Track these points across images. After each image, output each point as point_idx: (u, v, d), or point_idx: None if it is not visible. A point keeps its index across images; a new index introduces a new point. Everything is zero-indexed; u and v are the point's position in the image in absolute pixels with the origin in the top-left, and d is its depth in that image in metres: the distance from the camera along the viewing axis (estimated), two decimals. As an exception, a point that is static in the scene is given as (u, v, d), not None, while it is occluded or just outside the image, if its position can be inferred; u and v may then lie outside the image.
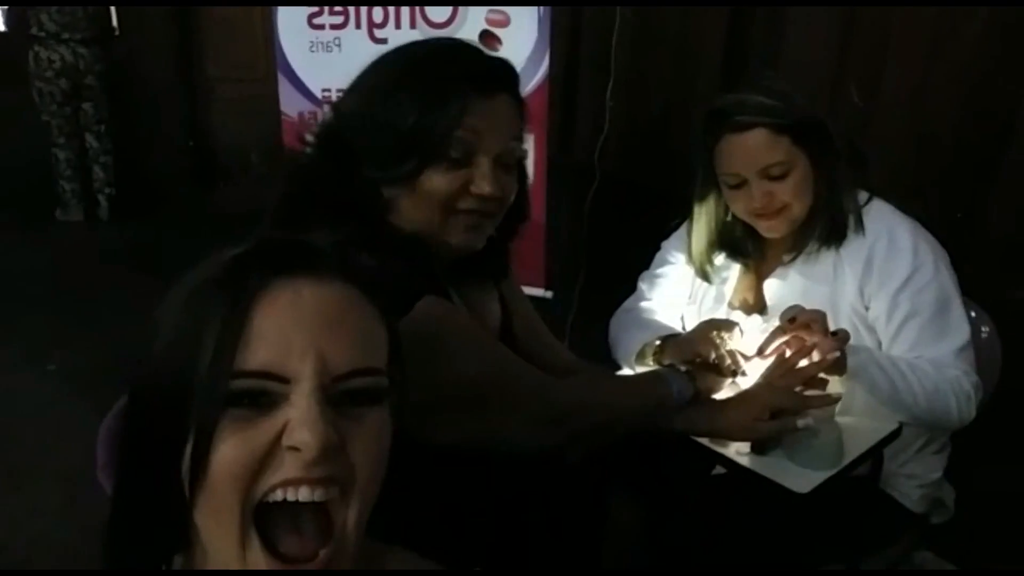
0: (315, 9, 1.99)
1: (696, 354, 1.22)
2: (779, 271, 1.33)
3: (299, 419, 0.51)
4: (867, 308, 1.26)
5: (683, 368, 1.12)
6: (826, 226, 1.26)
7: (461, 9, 1.87)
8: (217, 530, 0.54)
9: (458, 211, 0.91)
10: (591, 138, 2.24)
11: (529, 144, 1.90)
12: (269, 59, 4.08)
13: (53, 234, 4.25)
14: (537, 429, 0.96)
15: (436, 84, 0.89)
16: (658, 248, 1.55)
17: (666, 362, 1.27)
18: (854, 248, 1.26)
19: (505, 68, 0.95)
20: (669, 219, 1.53)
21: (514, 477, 1.00)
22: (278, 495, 0.52)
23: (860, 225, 1.26)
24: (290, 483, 0.52)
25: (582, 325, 2.19)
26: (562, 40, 2.20)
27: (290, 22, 2.06)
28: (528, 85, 1.83)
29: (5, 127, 4.27)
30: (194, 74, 4.57)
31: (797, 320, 1.14)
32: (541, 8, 1.80)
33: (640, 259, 1.57)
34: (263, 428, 0.52)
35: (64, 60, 4.00)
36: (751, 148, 1.22)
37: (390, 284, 0.87)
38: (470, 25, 1.88)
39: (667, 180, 2.45)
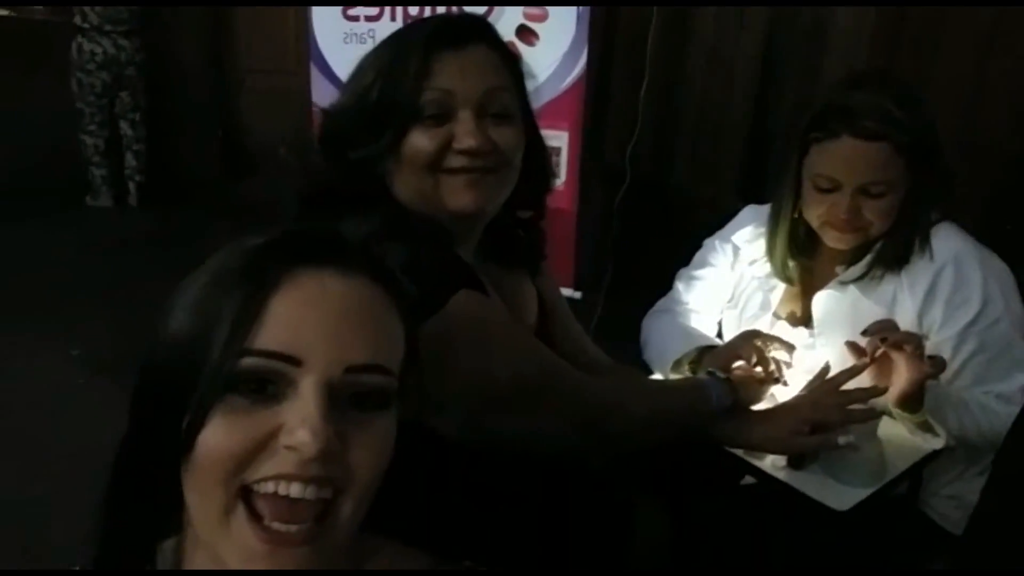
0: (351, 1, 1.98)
1: (736, 357, 1.18)
2: (834, 284, 1.27)
3: (300, 418, 0.50)
4: (926, 337, 1.18)
5: (722, 376, 1.08)
6: (894, 248, 1.20)
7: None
8: (202, 507, 0.53)
9: (449, 171, 0.87)
10: (623, 139, 2.21)
11: (563, 141, 1.88)
12: (300, 52, 4.10)
13: (82, 219, 4.28)
14: (572, 430, 0.93)
15: (395, 49, 0.88)
16: (692, 248, 1.50)
17: (704, 370, 1.23)
18: (918, 272, 1.19)
19: (474, 19, 0.93)
20: (698, 222, 1.49)
21: (541, 479, 0.97)
22: (269, 487, 0.51)
23: (927, 248, 1.19)
24: (283, 477, 0.51)
25: (608, 326, 2.15)
26: (596, 38, 2.17)
27: (325, 14, 2.05)
28: (563, 82, 1.81)
29: (42, 113, 4.32)
30: (225, 65, 4.59)
31: (889, 339, 1.06)
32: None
33: (669, 261, 1.54)
34: (260, 420, 0.51)
35: (106, 53, 4.05)
36: (866, 159, 1.13)
37: (424, 275, 0.86)
38: (507, 20, 1.85)
39: (698, 184, 2.42)
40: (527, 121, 0.95)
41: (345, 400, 0.52)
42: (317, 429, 0.49)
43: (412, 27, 0.94)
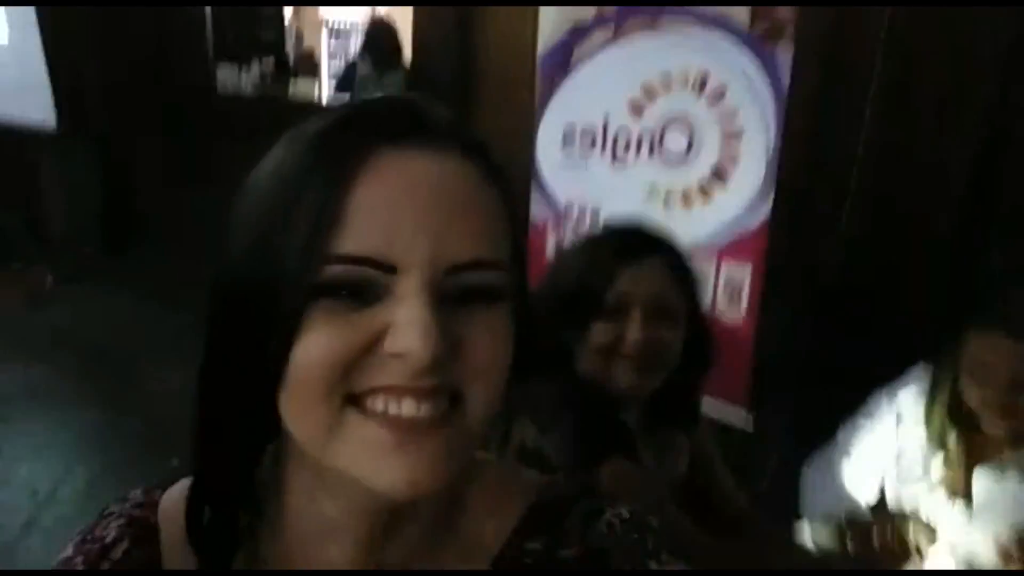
0: (570, 133, 2.30)
1: (877, 531, 1.23)
2: (996, 463, 1.27)
3: (405, 322, 0.43)
4: None
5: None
6: None
7: (696, 141, 2.06)
8: (305, 426, 0.47)
9: (621, 356, 1.09)
10: (817, 253, 2.25)
11: (746, 273, 2.01)
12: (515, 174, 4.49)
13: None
14: None
15: (592, 255, 1.13)
16: (868, 388, 1.53)
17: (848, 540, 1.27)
18: None
19: (653, 238, 1.15)
20: (889, 359, 1.50)
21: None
22: (379, 404, 0.45)
23: None
24: (393, 391, 0.45)
25: (786, 455, 2.15)
26: (798, 145, 2.26)
27: (548, 139, 2.39)
28: (750, 221, 1.95)
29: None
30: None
31: None
32: (770, 148, 1.92)
33: (849, 395, 1.56)
34: (360, 324, 0.44)
35: None
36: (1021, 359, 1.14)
37: (586, 440, 1.06)
38: (704, 159, 2.05)
39: (896, 317, 2.34)
40: (694, 311, 1.16)
41: (451, 298, 0.45)
42: (426, 333, 0.43)
43: (601, 237, 1.20)
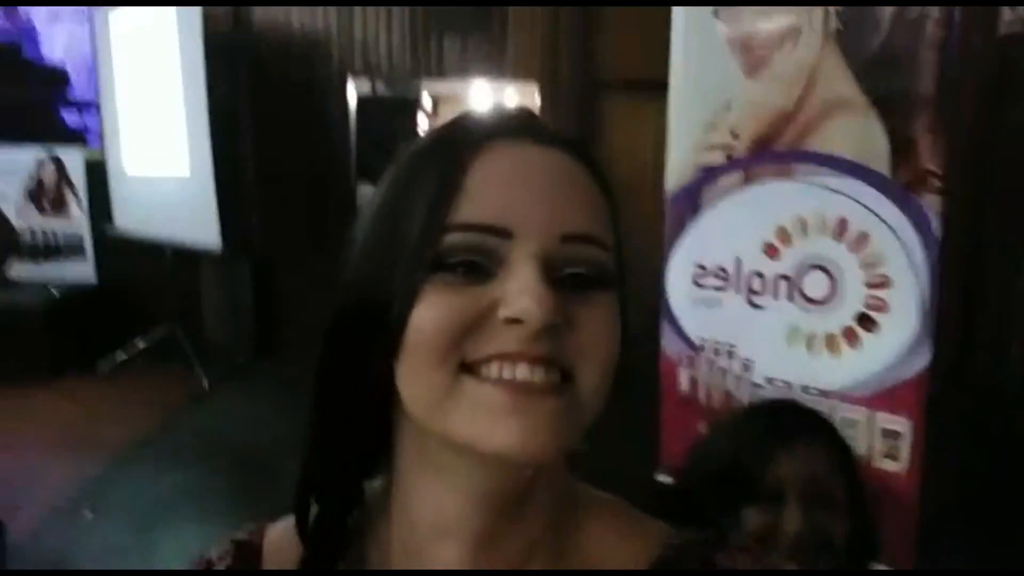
0: (701, 272, 2.28)
1: None
2: None
3: (520, 287, 0.45)
4: None
5: None
6: None
7: (839, 287, 1.98)
8: (420, 393, 0.48)
9: (777, 546, 1.04)
10: (983, 404, 2.07)
11: (903, 427, 1.88)
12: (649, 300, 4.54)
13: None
14: None
15: (746, 434, 1.12)
16: None
17: None
18: None
19: (811, 418, 1.12)
20: None
21: None
22: (493, 370, 0.46)
23: None
24: (507, 357, 0.46)
25: None
26: (955, 293, 2.12)
27: (677, 275, 2.38)
28: (905, 372, 1.83)
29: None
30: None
31: None
32: (922, 296, 1.81)
33: None
34: (475, 296, 0.47)
35: None
36: None
37: None
38: (849, 304, 1.96)
39: None
40: (856, 495, 1.11)
41: (560, 280, 0.47)
42: (540, 297, 0.45)
43: (756, 417, 1.19)
